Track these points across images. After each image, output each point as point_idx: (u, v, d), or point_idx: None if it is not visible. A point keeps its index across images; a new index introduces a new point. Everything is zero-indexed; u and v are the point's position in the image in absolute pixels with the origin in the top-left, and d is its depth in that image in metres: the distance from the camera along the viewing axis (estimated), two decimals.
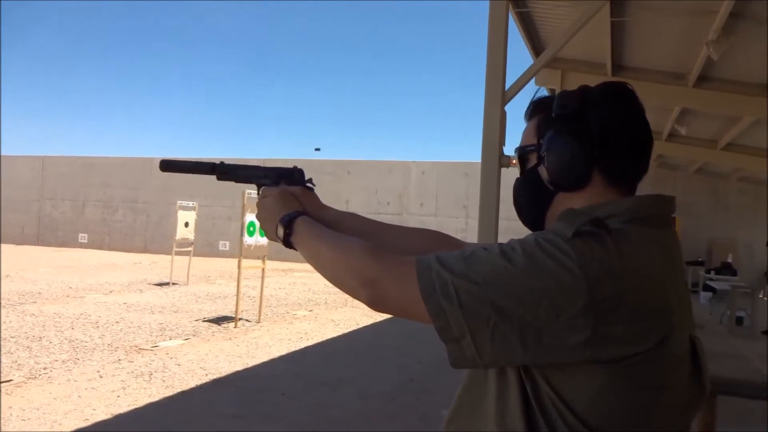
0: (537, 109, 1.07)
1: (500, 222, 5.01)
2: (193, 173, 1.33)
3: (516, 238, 0.90)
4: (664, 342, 0.85)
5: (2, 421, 4.33)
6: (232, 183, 1.38)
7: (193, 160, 1.32)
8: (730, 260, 14.05)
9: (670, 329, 0.86)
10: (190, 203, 14.00)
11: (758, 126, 10.12)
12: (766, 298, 11.50)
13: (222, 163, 1.32)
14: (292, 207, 1.17)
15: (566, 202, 0.99)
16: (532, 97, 1.12)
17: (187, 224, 13.35)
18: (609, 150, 0.95)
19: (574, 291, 0.81)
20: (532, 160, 1.04)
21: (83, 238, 23.03)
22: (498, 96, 4.82)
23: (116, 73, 62.65)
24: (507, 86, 4.91)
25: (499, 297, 0.83)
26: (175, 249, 13.22)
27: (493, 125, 4.80)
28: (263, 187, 1.25)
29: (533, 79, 6.29)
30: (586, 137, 0.95)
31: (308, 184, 1.28)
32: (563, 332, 0.81)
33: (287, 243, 1.13)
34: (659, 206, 0.95)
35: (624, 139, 0.97)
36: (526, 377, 0.88)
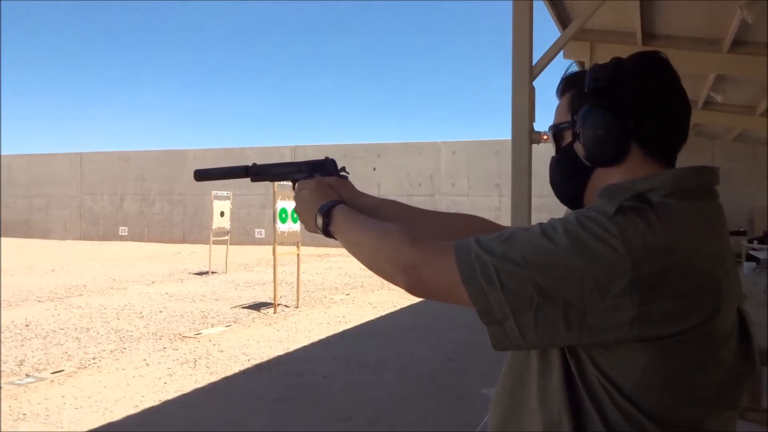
0: (568, 85, 1.05)
1: (533, 199, 4.97)
2: (228, 178, 1.39)
3: (553, 216, 0.89)
4: (712, 318, 0.83)
5: (57, 408, 4.50)
6: None
7: (225, 167, 1.38)
8: None
9: (718, 305, 0.84)
10: (225, 193, 14.18)
11: None
12: None
13: (254, 164, 1.35)
14: (329, 197, 1.17)
15: (605, 177, 0.97)
16: (563, 71, 1.10)
17: (222, 214, 13.56)
18: (645, 122, 0.93)
19: (618, 269, 0.79)
20: (567, 138, 1.02)
21: (123, 231, 23.56)
22: (525, 71, 4.74)
23: (147, 70, 63.70)
24: (534, 61, 4.83)
25: (542, 278, 0.82)
26: (212, 238, 13.45)
27: (522, 101, 4.73)
28: (299, 181, 1.27)
29: (561, 53, 6.16)
30: (620, 110, 0.94)
31: (342, 173, 1.29)
32: (608, 312, 0.80)
33: (327, 232, 1.13)
34: (702, 178, 0.93)
35: (660, 110, 0.94)
36: (570, 356, 0.87)
